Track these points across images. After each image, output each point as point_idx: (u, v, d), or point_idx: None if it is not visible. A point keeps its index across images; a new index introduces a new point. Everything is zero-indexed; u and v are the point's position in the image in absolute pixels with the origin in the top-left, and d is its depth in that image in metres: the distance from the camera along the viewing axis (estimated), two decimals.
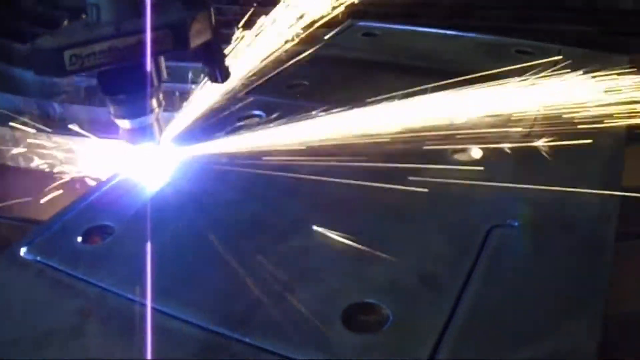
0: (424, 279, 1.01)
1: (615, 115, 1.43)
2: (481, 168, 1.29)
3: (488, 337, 0.92)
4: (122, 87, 1.14)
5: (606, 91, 1.51)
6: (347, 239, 1.09)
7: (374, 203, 1.21)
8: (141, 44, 1.07)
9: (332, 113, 1.44)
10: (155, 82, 1.16)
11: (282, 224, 1.14)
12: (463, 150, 1.34)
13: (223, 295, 1.00)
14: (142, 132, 1.20)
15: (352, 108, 1.45)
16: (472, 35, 2.05)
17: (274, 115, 1.48)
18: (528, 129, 1.41)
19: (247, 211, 1.18)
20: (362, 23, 2.18)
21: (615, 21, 2.72)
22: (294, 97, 1.63)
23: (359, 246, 1.07)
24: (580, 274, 1.02)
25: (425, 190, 1.20)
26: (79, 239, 1.12)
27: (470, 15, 2.82)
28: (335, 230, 1.10)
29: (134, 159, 1.26)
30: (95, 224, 1.16)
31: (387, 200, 1.20)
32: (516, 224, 1.13)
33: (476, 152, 1.34)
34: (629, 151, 1.40)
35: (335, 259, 1.06)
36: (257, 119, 1.51)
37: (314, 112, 1.45)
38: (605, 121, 1.40)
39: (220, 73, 1.25)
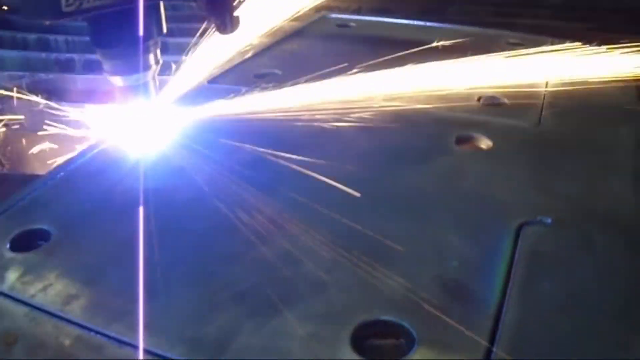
0: (451, 290, 0.79)
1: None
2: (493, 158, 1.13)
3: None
4: (117, 38, 0.98)
5: None
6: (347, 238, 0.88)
7: (376, 194, 1.00)
8: None
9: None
10: (155, 34, 1.03)
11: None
12: (469, 140, 1.19)
13: (191, 315, 0.76)
14: (136, 91, 1.05)
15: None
16: (458, 26, 1.88)
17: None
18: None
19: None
20: (335, 15, 2.05)
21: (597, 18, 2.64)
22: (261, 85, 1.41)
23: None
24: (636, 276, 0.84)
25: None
26: (7, 245, 0.89)
27: (446, 11, 2.69)
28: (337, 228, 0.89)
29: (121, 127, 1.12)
30: (28, 228, 0.93)
31: (395, 190, 1.02)
32: (549, 220, 0.94)
33: (485, 142, 1.18)
34: None
35: (332, 263, 0.84)
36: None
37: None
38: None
39: (229, 21, 1.09)
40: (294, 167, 1.04)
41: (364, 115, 1.21)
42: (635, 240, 0.91)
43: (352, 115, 1.21)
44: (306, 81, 1.32)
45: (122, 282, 0.82)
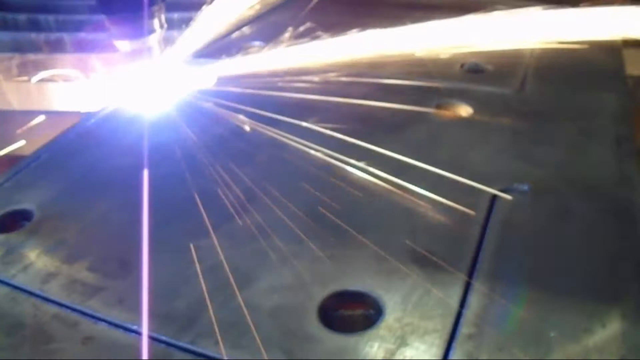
0: (420, 259, 0.80)
1: None
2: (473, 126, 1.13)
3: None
4: (123, 4, 1.04)
5: None
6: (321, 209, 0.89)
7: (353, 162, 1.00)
8: None
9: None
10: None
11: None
12: (449, 107, 1.19)
13: (164, 291, 0.78)
14: (142, 54, 1.11)
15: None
16: None
17: None
18: None
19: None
20: None
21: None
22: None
23: (336, 219, 0.86)
24: (615, 247, 0.83)
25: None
26: None
27: None
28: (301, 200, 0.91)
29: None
30: (11, 209, 0.96)
31: (371, 159, 1.00)
32: (526, 188, 0.94)
33: (464, 109, 1.18)
34: None
35: (303, 236, 0.85)
36: None
37: None
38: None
39: None
40: (272, 134, 1.05)
41: (345, 82, 1.23)
42: (613, 207, 0.91)
43: (332, 83, 1.22)
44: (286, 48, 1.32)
45: (100, 259, 0.84)
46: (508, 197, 0.92)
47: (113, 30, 1.07)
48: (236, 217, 0.88)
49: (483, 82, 1.28)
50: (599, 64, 1.38)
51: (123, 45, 1.10)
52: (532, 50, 1.43)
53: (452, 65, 1.35)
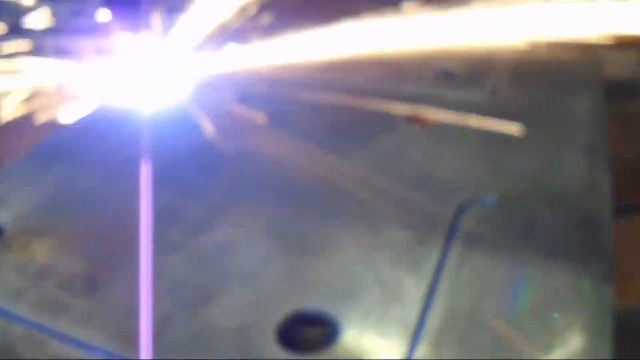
0: (382, 280, 0.82)
1: None
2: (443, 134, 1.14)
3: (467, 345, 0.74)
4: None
5: None
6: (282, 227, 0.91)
7: (314, 178, 1.02)
8: None
9: None
10: None
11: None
12: (419, 115, 1.19)
13: (130, 308, 0.79)
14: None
15: None
16: None
17: None
18: None
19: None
20: None
21: None
22: None
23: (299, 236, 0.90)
24: (578, 260, 0.85)
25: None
26: None
27: None
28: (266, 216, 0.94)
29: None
30: None
31: (329, 173, 1.02)
32: (493, 198, 0.97)
33: (435, 116, 1.19)
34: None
35: (266, 254, 0.87)
36: None
37: None
38: None
39: None
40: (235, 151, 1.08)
41: (314, 87, 1.23)
42: (581, 218, 0.93)
43: (304, 92, 1.23)
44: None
45: (68, 276, 0.86)
46: (475, 207, 0.94)
47: (115, 24, 1.13)
48: (201, 233, 0.90)
49: (455, 87, 1.30)
50: (575, 67, 1.38)
51: (125, 38, 1.14)
52: (507, 51, 1.43)
53: (424, 68, 1.36)
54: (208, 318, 0.77)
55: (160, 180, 0.98)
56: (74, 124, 1.21)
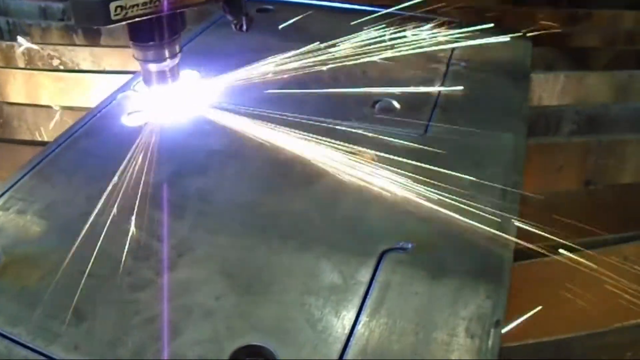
0: (313, 320, 1.00)
1: None
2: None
3: None
4: (151, 35, 1.27)
5: None
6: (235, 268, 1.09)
7: (256, 221, 1.20)
8: None
9: None
10: (179, 29, 1.31)
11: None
12: (356, 155, 1.33)
13: (110, 340, 0.99)
14: (165, 75, 1.35)
15: None
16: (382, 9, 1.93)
17: None
18: None
19: None
20: None
21: None
22: None
23: (247, 277, 1.08)
24: (476, 310, 1.02)
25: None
26: None
27: None
28: (221, 257, 1.11)
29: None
30: None
31: (275, 218, 1.20)
32: (410, 246, 1.12)
33: (370, 156, 1.33)
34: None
35: (221, 293, 1.05)
36: None
37: None
38: None
39: (246, 22, 1.47)
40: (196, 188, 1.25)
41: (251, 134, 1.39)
42: (484, 267, 1.09)
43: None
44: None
45: (57, 307, 1.02)
46: (392, 256, 1.11)
47: (140, 55, 1.32)
48: (169, 271, 1.08)
49: (391, 124, 1.43)
50: (505, 96, 1.58)
51: (151, 67, 1.34)
52: (443, 82, 1.58)
53: (364, 103, 1.52)
54: (176, 349, 0.95)
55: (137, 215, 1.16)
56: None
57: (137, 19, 1.17)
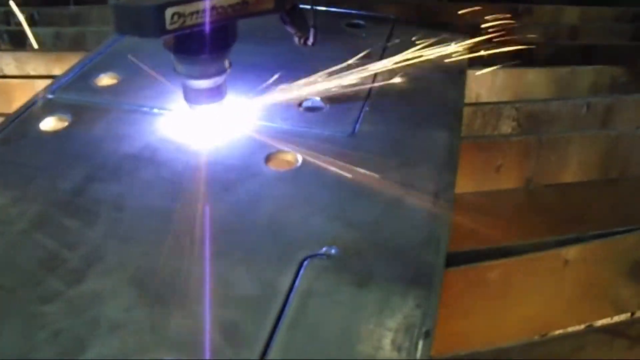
0: (226, 331, 0.96)
1: None
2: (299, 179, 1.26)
3: None
4: (202, 48, 1.17)
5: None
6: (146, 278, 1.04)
7: (179, 226, 1.15)
8: (245, 3, 1.14)
9: None
10: (232, 42, 1.21)
11: None
12: (279, 157, 1.31)
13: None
14: (213, 92, 1.27)
15: None
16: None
17: None
18: None
19: None
20: None
21: None
22: None
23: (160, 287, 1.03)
24: (397, 318, 0.99)
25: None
26: None
27: None
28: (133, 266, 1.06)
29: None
30: None
31: (193, 224, 1.15)
32: (333, 251, 1.09)
33: (294, 158, 1.30)
34: None
35: (131, 305, 1.00)
36: None
37: None
38: None
39: (313, 34, 1.40)
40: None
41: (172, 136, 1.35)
42: (413, 274, 1.05)
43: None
44: None
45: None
46: (316, 261, 1.07)
47: (186, 70, 1.24)
48: (78, 282, 1.02)
49: (317, 124, 1.40)
50: (439, 95, 1.55)
51: (198, 84, 1.26)
52: (374, 78, 1.56)
53: (291, 103, 1.48)
54: None
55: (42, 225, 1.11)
56: None
57: (192, 29, 1.11)
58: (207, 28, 1.13)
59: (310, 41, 1.40)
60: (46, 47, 2.55)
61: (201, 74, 1.25)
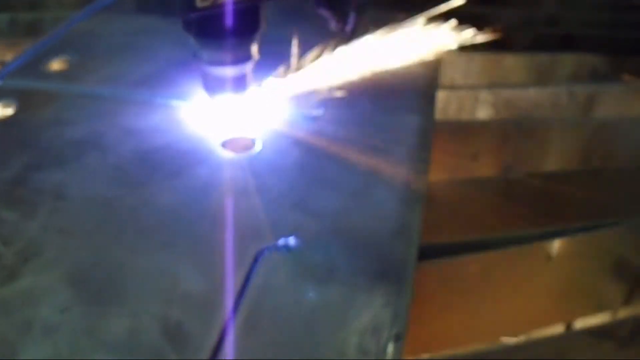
0: (169, 332, 0.87)
1: None
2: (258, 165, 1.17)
3: None
4: (226, 31, 1.09)
5: None
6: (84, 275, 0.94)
7: (124, 215, 1.06)
8: None
9: None
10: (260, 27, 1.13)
11: None
12: (237, 142, 1.23)
13: None
14: (239, 81, 1.18)
15: None
16: None
17: None
18: None
19: None
20: None
21: None
22: None
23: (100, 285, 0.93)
24: (363, 318, 0.91)
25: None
26: None
27: None
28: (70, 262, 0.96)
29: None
30: None
31: (128, 214, 1.06)
32: (294, 244, 1.01)
33: (250, 144, 1.22)
34: None
35: (66, 305, 0.90)
36: None
37: None
38: None
39: (353, 19, 1.28)
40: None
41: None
42: (383, 267, 0.98)
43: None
44: None
45: None
46: (274, 253, 0.99)
47: (210, 56, 1.15)
48: (12, 279, 0.93)
49: (278, 106, 1.32)
50: (412, 79, 1.46)
51: (223, 71, 1.16)
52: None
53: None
54: None
55: None
56: None
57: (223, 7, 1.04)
58: (237, 6, 1.08)
59: (349, 27, 1.31)
60: (0, 33, 2.41)
61: (226, 61, 1.17)
